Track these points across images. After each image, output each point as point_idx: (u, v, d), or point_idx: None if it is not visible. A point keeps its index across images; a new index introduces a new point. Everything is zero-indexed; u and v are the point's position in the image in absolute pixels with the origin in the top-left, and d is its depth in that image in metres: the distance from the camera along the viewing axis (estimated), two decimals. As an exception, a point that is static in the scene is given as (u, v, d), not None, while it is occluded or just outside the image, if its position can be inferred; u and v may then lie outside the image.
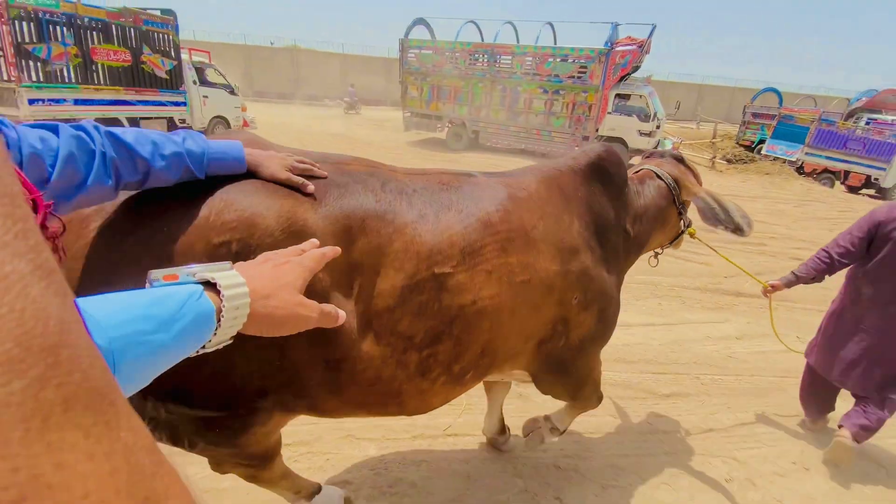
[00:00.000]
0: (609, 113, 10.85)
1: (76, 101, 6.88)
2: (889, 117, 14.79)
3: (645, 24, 10.65)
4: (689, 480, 2.28)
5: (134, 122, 7.65)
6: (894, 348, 2.29)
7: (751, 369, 3.30)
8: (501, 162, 10.95)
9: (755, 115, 15.19)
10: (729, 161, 13.45)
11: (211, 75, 9.63)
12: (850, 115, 14.79)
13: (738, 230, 1.83)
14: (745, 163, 13.20)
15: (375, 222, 1.10)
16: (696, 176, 2.04)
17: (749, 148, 14.52)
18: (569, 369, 1.65)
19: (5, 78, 6.27)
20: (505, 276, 1.27)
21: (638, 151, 10.81)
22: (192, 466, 2.44)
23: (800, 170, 12.35)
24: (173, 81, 8.29)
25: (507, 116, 11.95)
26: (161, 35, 7.93)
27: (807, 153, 12.34)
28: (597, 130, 11.08)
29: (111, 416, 0.18)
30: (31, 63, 6.28)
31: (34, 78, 6.38)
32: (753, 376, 3.22)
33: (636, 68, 10.74)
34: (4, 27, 5.95)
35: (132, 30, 7.49)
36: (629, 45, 10.54)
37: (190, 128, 8.28)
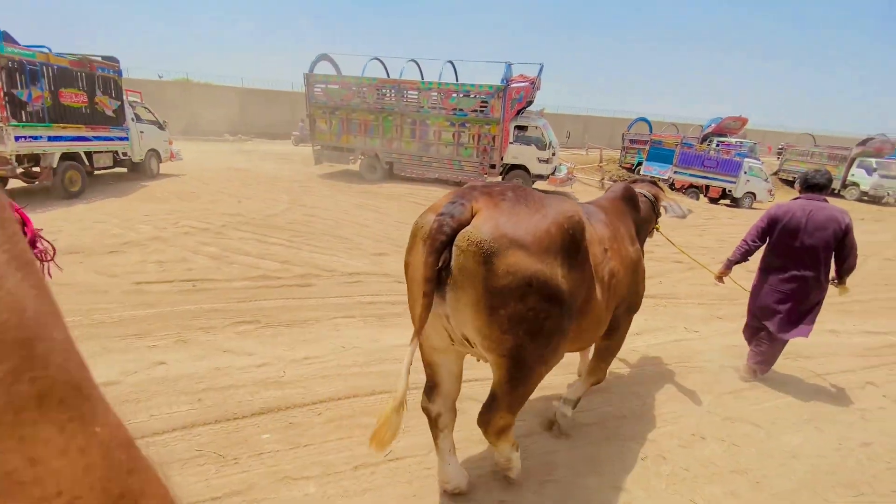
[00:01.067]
0: (511, 143, 11.78)
1: (49, 138, 7.86)
2: (733, 140, 18.07)
3: (534, 64, 11.90)
4: (612, 465, 2.53)
5: (89, 154, 8.90)
6: (800, 298, 3.30)
7: (651, 360, 3.76)
8: (418, 190, 11.26)
9: (632, 141, 17.48)
10: (615, 181, 15.25)
11: (142, 112, 10.77)
12: (704, 139, 17.67)
13: (684, 216, 3.27)
14: (629, 183, 15.11)
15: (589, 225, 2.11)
16: (661, 189, 3.40)
17: (630, 169, 16.61)
18: (619, 330, 2.63)
19: None
20: (620, 252, 2.36)
21: (539, 177, 11.84)
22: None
23: (672, 186, 14.40)
24: (118, 119, 9.62)
25: (418, 148, 12.40)
26: (109, 79, 9.29)
27: (675, 172, 14.46)
28: (501, 159, 11.93)
29: (87, 411, 0.18)
30: (15, 105, 7.20)
31: (19, 118, 7.29)
32: (654, 366, 3.67)
33: (530, 103, 11.86)
34: None
35: (89, 75, 8.73)
36: (522, 82, 11.65)
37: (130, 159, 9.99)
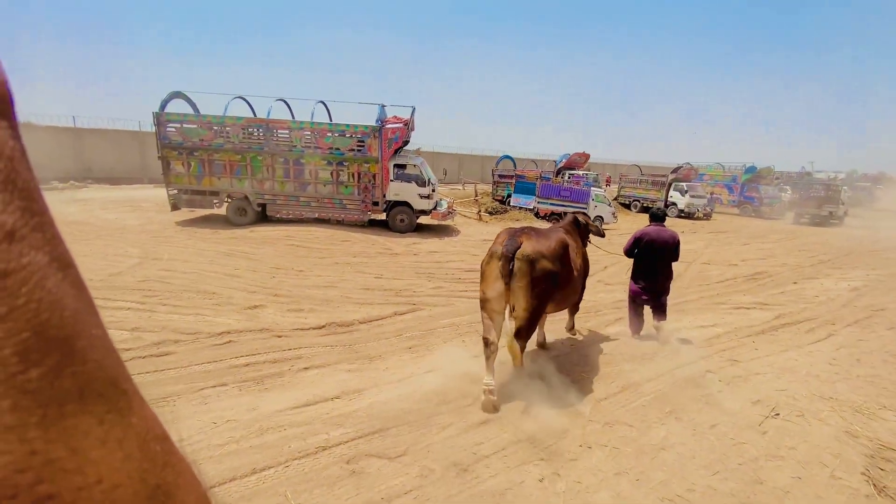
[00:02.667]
0: (392, 181, 11.98)
1: None
2: (580, 172, 21.01)
3: (406, 106, 12.41)
4: (514, 492, 2.55)
5: None
6: (659, 283, 5.04)
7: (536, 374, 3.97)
8: (296, 231, 10.66)
9: (500, 176, 19.15)
10: (490, 213, 16.43)
11: None
12: (558, 173, 20.16)
13: (602, 234, 5.20)
14: (501, 213, 16.44)
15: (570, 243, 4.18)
16: (587, 216, 5.10)
17: (501, 201, 18.09)
18: (580, 291, 4.63)
19: None
20: (579, 253, 4.42)
21: (422, 212, 12.18)
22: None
23: (536, 214, 16.03)
24: None
25: (294, 187, 11.85)
26: None
27: (538, 202, 16.15)
28: (384, 196, 12.02)
29: (124, 405, 0.19)
30: None
31: None
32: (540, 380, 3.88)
33: (406, 142, 12.28)
34: None
35: None
36: (396, 123, 12.05)
37: None
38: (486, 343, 3.58)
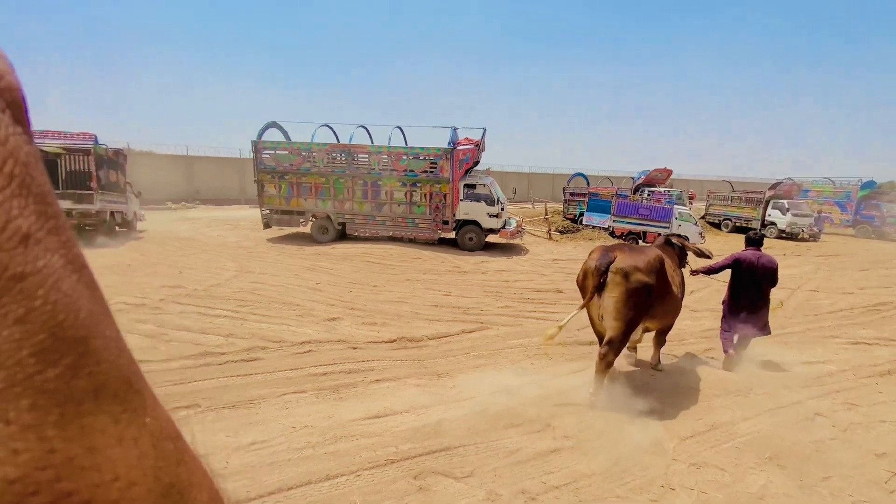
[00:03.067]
0: (462, 200, 12.21)
1: (109, 202, 11.96)
2: (661, 189, 19.74)
3: (477, 128, 12.67)
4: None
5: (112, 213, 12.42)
6: (756, 312, 4.77)
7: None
8: (372, 249, 11.19)
9: (572, 194, 18.62)
10: (561, 232, 15.99)
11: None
12: (636, 190, 19.16)
13: (708, 255, 4.88)
14: (573, 232, 15.92)
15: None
16: (686, 239, 5.13)
17: (573, 220, 17.53)
18: (678, 309, 4.51)
19: None
20: (677, 272, 4.44)
21: (491, 231, 12.23)
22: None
23: (612, 234, 15.28)
24: (122, 188, 13.11)
25: (371, 208, 12.53)
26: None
27: (614, 220, 15.41)
28: (454, 215, 12.26)
29: (138, 404, 0.19)
30: (100, 183, 11.50)
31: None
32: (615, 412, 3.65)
33: (476, 163, 12.49)
34: None
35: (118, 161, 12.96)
36: (467, 144, 12.33)
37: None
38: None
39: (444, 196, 12.25)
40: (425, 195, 12.37)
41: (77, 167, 11.27)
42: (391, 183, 12.36)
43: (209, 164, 25.20)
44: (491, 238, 12.81)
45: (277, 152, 12.65)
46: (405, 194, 12.41)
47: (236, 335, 4.98)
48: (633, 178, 20.94)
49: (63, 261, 0.18)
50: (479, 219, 12.23)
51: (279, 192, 12.72)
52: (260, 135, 12.72)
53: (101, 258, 9.22)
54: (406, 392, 3.86)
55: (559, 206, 20.24)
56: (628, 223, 15.15)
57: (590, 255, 3.93)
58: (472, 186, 12.29)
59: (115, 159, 12.58)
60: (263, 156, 12.62)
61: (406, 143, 13.63)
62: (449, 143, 12.10)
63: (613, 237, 15.07)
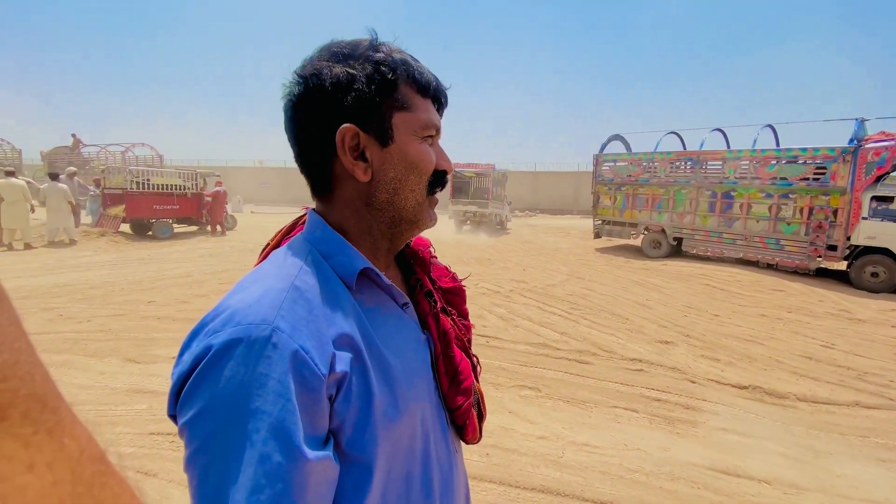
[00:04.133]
0: (865, 218, 8.74)
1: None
2: None
3: (914, 115, 8.69)
4: None
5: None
6: None
7: None
8: (713, 271, 9.67)
9: None
10: None
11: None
12: None
13: None
14: None
15: None
16: None
17: None
18: None
19: None
20: None
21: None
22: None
23: None
24: (502, 199, 17.83)
25: (718, 223, 10.79)
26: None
27: None
28: (848, 238, 8.96)
29: (53, 424, 0.17)
30: None
31: None
32: None
33: (899, 166, 8.64)
34: None
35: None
36: (887, 140, 8.66)
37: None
38: None
39: (835, 212, 9.13)
40: (801, 209, 9.60)
41: (481, 185, 17.14)
42: (750, 193, 10.24)
43: (550, 178, 28.36)
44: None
45: (617, 164, 12.77)
46: (769, 208, 10.02)
47: (569, 335, 5.36)
48: None
49: None
50: (895, 247, 8.45)
51: (614, 204, 12.83)
52: (602, 148, 13.18)
53: (475, 247, 11.96)
54: (766, 458, 3.11)
55: None
56: None
57: None
58: (888, 200, 8.60)
59: (501, 179, 17.41)
60: (603, 168, 13.01)
61: (778, 145, 10.96)
62: (851, 141, 8.90)
63: None
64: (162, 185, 13.05)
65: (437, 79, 0.69)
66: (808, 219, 9.47)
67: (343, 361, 0.55)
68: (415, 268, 0.78)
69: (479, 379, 0.84)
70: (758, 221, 10.19)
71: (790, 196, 9.68)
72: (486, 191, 16.87)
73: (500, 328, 5.51)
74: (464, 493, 0.79)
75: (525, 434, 3.20)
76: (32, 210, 10.35)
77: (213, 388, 0.48)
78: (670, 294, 7.85)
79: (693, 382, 4.26)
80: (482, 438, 0.84)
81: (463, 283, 0.88)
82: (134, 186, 12.44)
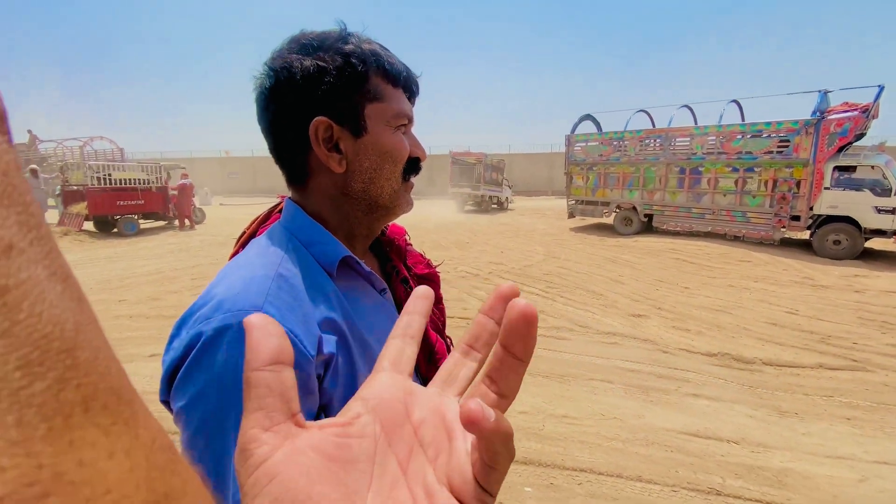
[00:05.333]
0: (827, 188, 9.12)
1: None
2: None
3: (869, 87, 9.03)
4: None
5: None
6: None
7: None
8: (682, 245, 9.96)
9: None
10: None
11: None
12: None
13: None
14: None
15: None
16: None
17: None
18: None
19: None
20: None
21: (878, 232, 8.65)
22: None
23: None
24: (499, 182, 20.53)
25: (686, 198, 11.08)
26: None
27: None
28: (810, 209, 9.34)
29: (129, 416, 0.19)
30: None
31: None
32: None
33: (860, 136, 8.98)
34: None
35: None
36: (848, 111, 8.99)
37: None
38: None
39: (798, 183, 9.49)
40: (765, 182, 9.94)
41: (478, 171, 18.93)
42: (717, 169, 10.54)
43: (523, 159, 28.41)
44: (875, 243, 9.14)
45: (588, 144, 12.89)
46: (735, 182, 10.35)
47: (547, 313, 5.45)
48: None
49: (47, 272, 0.17)
50: (856, 215, 8.85)
51: (586, 183, 13.00)
52: (574, 128, 13.27)
53: (453, 231, 11.95)
54: (734, 420, 3.26)
55: None
56: None
57: None
58: (850, 169, 8.97)
59: (497, 165, 19.57)
60: (575, 148, 13.13)
61: (743, 120, 11.27)
62: (814, 113, 9.22)
63: None
64: (124, 179, 12.51)
65: (407, 68, 0.69)
66: (773, 191, 9.81)
67: (329, 343, 0.58)
68: (391, 255, 0.80)
69: None
70: (725, 195, 10.51)
71: (755, 170, 10.00)
72: (480, 176, 18.68)
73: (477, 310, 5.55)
74: None
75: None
76: None
77: (207, 373, 0.50)
78: (642, 269, 8.06)
79: (665, 352, 4.41)
80: None
81: (438, 269, 0.89)
82: (95, 182, 11.88)
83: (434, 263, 0.89)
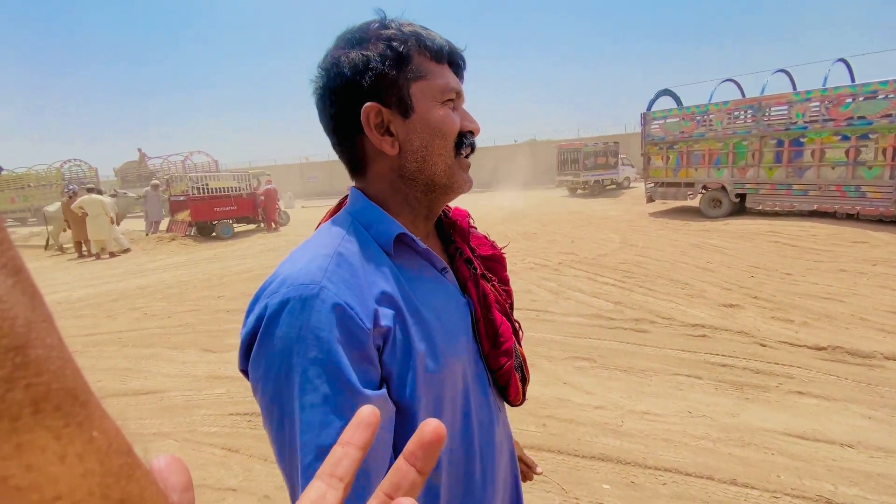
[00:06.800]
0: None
1: None
2: None
3: None
4: None
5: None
6: None
7: None
8: (782, 226, 8.93)
9: None
10: None
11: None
12: None
13: None
14: None
15: None
16: None
17: None
18: None
19: None
20: None
21: None
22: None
23: None
24: (613, 166, 21.66)
25: (786, 174, 9.88)
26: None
27: None
28: (946, 179, 7.92)
29: (83, 418, 0.18)
30: None
31: None
32: None
33: None
34: None
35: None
36: None
37: None
38: None
39: (929, 150, 8.08)
40: (883, 150, 8.59)
41: (577, 158, 20.43)
42: (822, 138, 9.27)
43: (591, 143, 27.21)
44: None
45: (667, 121, 11.96)
46: (846, 152, 9.04)
47: (624, 304, 5.20)
48: None
49: None
50: None
51: (666, 164, 12.09)
52: (650, 105, 12.39)
53: (517, 227, 11.78)
54: (849, 421, 2.89)
55: None
56: None
57: None
58: None
59: (606, 150, 20.94)
60: (652, 127, 12.26)
61: (853, 81, 9.79)
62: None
63: None
64: (219, 188, 13.89)
65: (449, 43, 0.69)
66: (893, 160, 8.43)
67: (387, 317, 0.60)
68: (454, 237, 0.81)
69: (521, 343, 0.85)
70: (833, 168, 9.22)
71: (870, 136, 8.64)
72: (581, 163, 19.98)
73: (549, 301, 5.44)
74: (507, 450, 0.81)
75: (581, 404, 3.18)
76: (113, 222, 11.38)
77: (272, 342, 0.55)
78: (734, 255, 7.36)
79: (763, 346, 4.01)
80: (525, 402, 0.86)
81: (503, 250, 0.89)
82: (195, 192, 13.34)
83: (499, 246, 0.90)
